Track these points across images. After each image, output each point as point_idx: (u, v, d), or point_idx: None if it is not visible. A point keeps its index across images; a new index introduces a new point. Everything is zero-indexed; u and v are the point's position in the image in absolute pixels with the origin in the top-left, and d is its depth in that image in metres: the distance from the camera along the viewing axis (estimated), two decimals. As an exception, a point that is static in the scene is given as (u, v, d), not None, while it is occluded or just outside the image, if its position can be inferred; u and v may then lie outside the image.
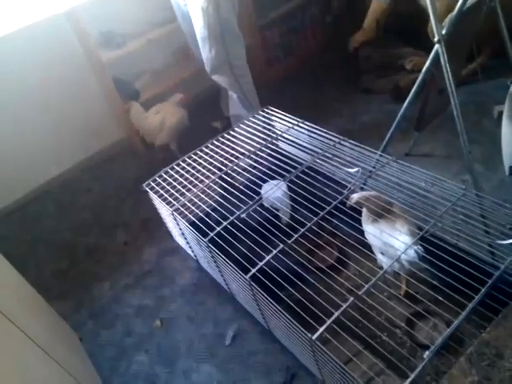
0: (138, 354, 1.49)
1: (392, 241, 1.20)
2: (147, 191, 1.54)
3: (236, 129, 1.73)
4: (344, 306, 1.01)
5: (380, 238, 1.24)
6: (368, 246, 1.33)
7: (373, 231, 1.27)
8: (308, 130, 1.56)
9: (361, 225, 1.34)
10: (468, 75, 2.15)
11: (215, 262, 1.32)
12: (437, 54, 1.22)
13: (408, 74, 2.34)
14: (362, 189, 1.50)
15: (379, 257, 1.31)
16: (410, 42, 2.44)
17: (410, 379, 0.92)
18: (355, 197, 1.28)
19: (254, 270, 1.12)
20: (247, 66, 2.05)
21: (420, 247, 1.14)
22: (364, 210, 1.33)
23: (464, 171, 1.79)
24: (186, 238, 1.54)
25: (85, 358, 1.48)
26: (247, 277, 1.12)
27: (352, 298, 1.02)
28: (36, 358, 1.07)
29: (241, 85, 2.05)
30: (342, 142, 1.46)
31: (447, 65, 1.19)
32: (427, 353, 0.92)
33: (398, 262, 1.19)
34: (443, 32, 1.17)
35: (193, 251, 1.61)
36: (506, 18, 1.35)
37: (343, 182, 1.45)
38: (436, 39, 1.18)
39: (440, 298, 1.24)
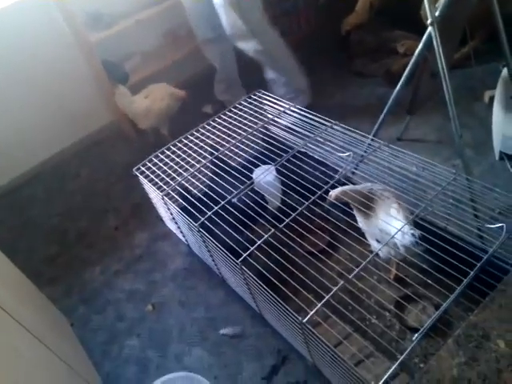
0: (129, 338, 1.50)
1: (388, 227, 1.20)
2: (137, 176, 1.52)
3: (227, 112, 1.71)
4: (334, 289, 1.02)
5: (376, 225, 1.24)
6: (358, 230, 1.34)
7: (367, 221, 1.28)
8: (299, 114, 1.55)
9: (351, 209, 1.33)
10: (461, 59, 2.14)
11: (206, 246, 1.32)
12: (429, 37, 1.21)
13: (400, 58, 2.32)
14: (353, 173, 1.50)
15: (374, 244, 1.31)
16: (402, 26, 2.41)
17: (398, 361, 0.94)
18: (333, 194, 1.27)
19: (244, 255, 1.12)
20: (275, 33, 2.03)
21: (417, 231, 1.14)
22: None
23: (455, 156, 1.80)
24: (176, 223, 1.53)
25: (76, 343, 1.48)
26: (238, 261, 1.12)
27: (342, 282, 1.03)
28: (26, 343, 1.07)
29: (271, 53, 2.02)
30: (334, 127, 1.46)
31: (440, 48, 1.18)
32: (416, 335, 0.93)
33: (393, 248, 1.20)
34: (436, 14, 1.16)
35: (184, 236, 1.61)
36: (499, 1, 1.34)
37: (335, 167, 1.45)
38: (429, 21, 1.17)
39: (429, 281, 1.25)
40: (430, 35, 1.20)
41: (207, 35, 2.14)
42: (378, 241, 1.29)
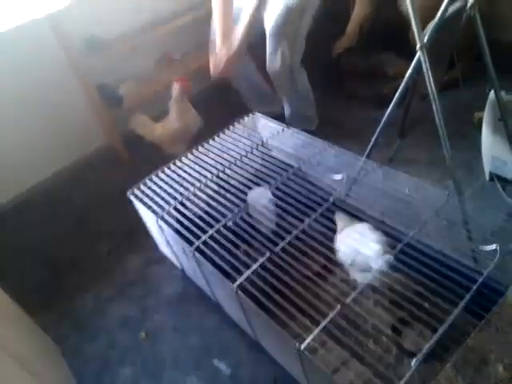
0: (122, 367, 1.46)
1: (362, 249, 1.21)
2: (131, 199, 1.51)
3: (222, 134, 1.72)
4: (331, 314, 1.01)
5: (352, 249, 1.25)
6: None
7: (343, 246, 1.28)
8: (293, 136, 1.57)
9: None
10: (449, 82, 2.18)
11: (201, 271, 1.31)
12: (419, 61, 1.24)
13: (391, 81, 2.36)
14: (347, 195, 1.50)
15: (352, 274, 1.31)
16: (392, 49, 2.47)
17: (397, 388, 0.92)
18: None
19: (240, 279, 1.11)
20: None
21: (391, 256, 1.15)
22: None
23: (446, 177, 1.81)
24: (171, 247, 1.51)
25: (67, 372, 1.44)
26: (234, 286, 1.11)
27: (339, 307, 1.02)
28: (16, 373, 1.04)
29: (297, 91, 2.04)
30: (328, 148, 1.47)
31: (429, 71, 1.20)
32: (414, 361, 0.92)
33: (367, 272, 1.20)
34: (425, 39, 1.19)
35: (178, 260, 1.59)
36: (484, 26, 1.38)
37: (329, 189, 1.46)
38: (418, 46, 1.20)
39: (425, 304, 1.25)
40: (419, 59, 1.23)
41: None
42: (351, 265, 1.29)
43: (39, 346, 1.39)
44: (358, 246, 1.24)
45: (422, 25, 1.22)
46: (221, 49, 1.88)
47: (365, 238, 1.24)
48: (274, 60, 1.94)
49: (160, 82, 2.38)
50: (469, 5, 1.27)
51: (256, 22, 1.87)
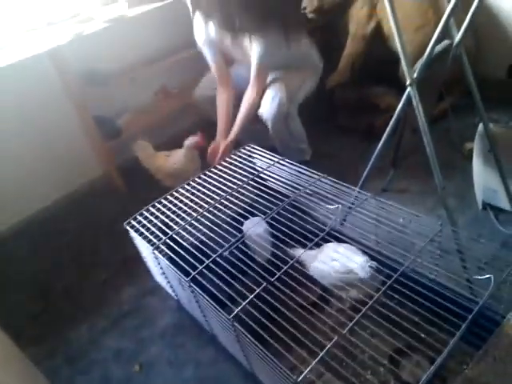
0: (115, 401, 1.43)
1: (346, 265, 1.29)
2: (127, 229, 1.52)
3: (218, 166, 1.75)
4: (328, 345, 1.00)
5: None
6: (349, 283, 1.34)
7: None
8: (288, 168, 1.60)
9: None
10: (439, 114, 2.25)
11: (197, 302, 1.30)
12: (409, 96, 1.28)
13: (381, 113, 2.43)
14: (342, 225, 1.52)
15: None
16: (384, 83, 2.55)
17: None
18: None
19: (237, 310, 1.11)
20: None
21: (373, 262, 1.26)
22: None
23: (439, 206, 1.84)
24: (166, 277, 1.51)
25: (58, 407, 1.40)
26: (230, 317, 1.10)
27: (335, 338, 1.02)
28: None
29: (291, 134, 2.09)
30: (322, 180, 1.50)
31: (419, 106, 1.25)
32: (412, 392, 0.91)
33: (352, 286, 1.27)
34: (414, 76, 1.24)
35: (174, 290, 1.58)
36: (471, 63, 1.44)
37: (324, 219, 1.47)
38: (408, 82, 1.25)
39: (422, 334, 1.24)
40: (409, 94, 1.27)
41: None
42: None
43: (30, 380, 1.36)
44: (343, 260, 1.31)
45: (412, 61, 1.28)
46: (219, 140, 2.04)
47: (346, 253, 1.33)
48: (270, 106, 1.98)
49: (158, 114, 2.44)
50: (455, 44, 1.34)
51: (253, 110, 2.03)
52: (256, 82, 1.97)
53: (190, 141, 2.09)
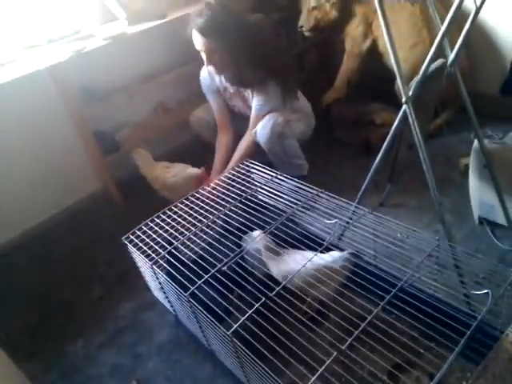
0: (111, 419, 1.41)
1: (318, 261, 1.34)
2: (125, 244, 1.52)
3: (216, 181, 1.76)
4: (327, 361, 1.00)
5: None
6: (348, 298, 1.34)
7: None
8: (286, 183, 1.61)
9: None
10: (435, 130, 2.28)
11: (195, 317, 1.30)
12: (405, 113, 1.31)
13: (378, 129, 2.46)
14: (339, 239, 1.53)
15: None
16: (379, 99, 2.59)
17: None
18: None
19: (235, 326, 1.11)
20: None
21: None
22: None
23: (436, 221, 1.86)
24: (165, 292, 1.51)
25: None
26: (229, 333, 1.10)
27: (335, 353, 1.02)
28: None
29: (286, 153, 2.12)
30: (320, 194, 1.51)
31: (415, 123, 1.27)
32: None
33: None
34: (410, 93, 1.26)
35: (172, 306, 1.58)
36: (465, 80, 1.47)
37: (322, 233, 1.48)
38: (403, 100, 1.27)
39: (421, 350, 1.24)
40: (405, 112, 1.30)
41: None
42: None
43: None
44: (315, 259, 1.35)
45: (407, 78, 1.31)
46: (212, 177, 2.10)
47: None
48: (264, 124, 2.02)
49: (156, 129, 2.46)
50: (449, 62, 1.37)
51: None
52: (253, 128, 2.08)
53: (195, 171, 2.13)
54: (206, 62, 1.98)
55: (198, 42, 1.90)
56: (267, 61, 1.97)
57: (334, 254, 1.40)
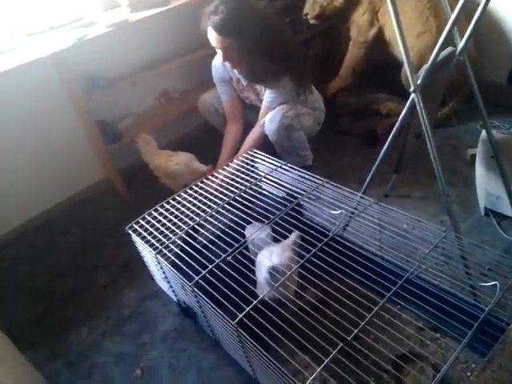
0: (116, 406, 1.42)
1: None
2: (129, 233, 1.51)
3: (220, 170, 1.75)
4: (333, 352, 1.00)
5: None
6: (352, 288, 1.34)
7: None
8: (291, 173, 1.60)
9: (344, 265, 1.33)
10: (441, 119, 2.26)
11: (200, 307, 1.30)
12: (413, 102, 1.29)
13: (383, 119, 2.44)
14: (344, 230, 1.52)
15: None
16: (385, 88, 2.56)
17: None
18: None
19: (240, 316, 1.11)
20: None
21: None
22: None
23: (441, 212, 1.84)
24: (169, 282, 1.50)
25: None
26: (234, 323, 1.10)
27: (341, 345, 1.01)
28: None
29: (293, 146, 2.10)
30: (325, 184, 1.50)
31: (423, 112, 1.25)
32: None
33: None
34: (418, 82, 1.24)
35: (176, 295, 1.57)
36: (472, 68, 1.45)
37: (327, 224, 1.47)
38: (412, 89, 1.25)
39: (426, 340, 1.24)
40: (413, 101, 1.28)
41: None
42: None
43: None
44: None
45: (413, 67, 1.28)
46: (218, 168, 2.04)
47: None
48: (273, 115, 1.99)
49: (159, 118, 2.44)
50: (458, 51, 1.34)
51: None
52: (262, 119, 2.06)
53: (201, 168, 2.12)
54: (221, 59, 1.95)
55: (214, 39, 1.86)
56: (284, 56, 1.94)
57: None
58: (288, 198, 1.54)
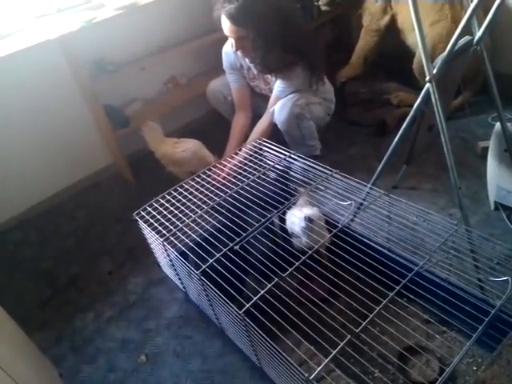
0: (121, 391, 1.43)
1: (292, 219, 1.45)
2: (136, 220, 1.51)
3: (228, 159, 1.74)
4: (341, 344, 0.99)
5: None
6: (360, 279, 1.33)
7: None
8: (299, 162, 1.58)
9: (352, 256, 1.33)
10: (453, 111, 2.22)
11: (206, 295, 1.29)
12: (427, 93, 1.26)
13: (393, 109, 2.41)
14: (352, 221, 1.50)
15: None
16: (395, 78, 2.52)
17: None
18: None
19: (248, 305, 1.10)
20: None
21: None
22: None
23: (450, 205, 1.82)
24: (175, 269, 1.50)
25: (65, 395, 1.40)
26: (241, 312, 1.09)
27: (348, 337, 1.01)
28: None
29: (303, 135, 2.08)
30: (334, 175, 1.48)
31: (438, 103, 1.23)
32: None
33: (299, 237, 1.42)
34: (434, 72, 1.21)
35: (182, 283, 1.57)
36: (489, 59, 1.41)
37: (335, 214, 1.46)
38: (427, 78, 1.22)
39: (435, 334, 1.24)
40: (427, 91, 1.25)
41: None
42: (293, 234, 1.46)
43: (37, 366, 1.36)
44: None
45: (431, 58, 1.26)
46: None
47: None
48: (284, 103, 1.97)
49: (167, 105, 2.42)
50: (476, 40, 1.31)
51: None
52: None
53: (209, 155, 2.11)
54: (234, 48, 1.91)
55: (228, 28, 1.82)
56: (298, 46, 1.91)
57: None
58: (297, 187, 1.53)
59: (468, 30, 1.27)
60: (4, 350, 1.12)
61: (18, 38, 1.90)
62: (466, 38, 1.28)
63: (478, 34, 1.30)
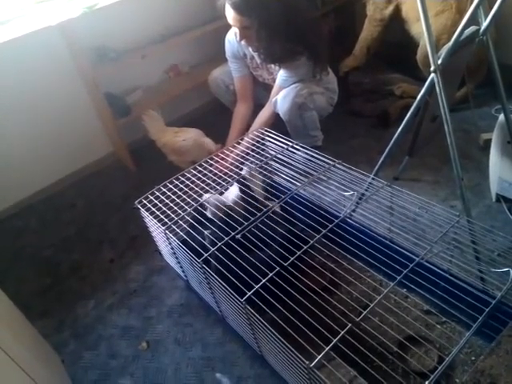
0: (122, 377, 1.44)
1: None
2: (138, 208, 1.51)
3: (230, 147, 1.73)
4: (342, 332, 1.00)
5: None
6: (361, 268, 1.33)
7: None
8: (301, 152, 1.58)
9: (354, 246, 1.33)
10: (456, 103, 2.21)
11: (208, 283, 1.30)
12: (431, 83, 1.25)
13: (396, 100, 2.40)
14: (353, 211, 1.50)
15: None
16: (398, 69, 2.50)
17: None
18: None
19: (249, 294, 1.11)
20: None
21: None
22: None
23: (452, 197, 1.83)
24: (177, 258, 1.51)
25: (66, 380, 1.41)
26: (242, 300, 1.10)
27: (349, 325, 1.02)
28: (16, 375, 1.02)
29: (305, 125, 2.07)
30: (337, 165, 1.48)
31: (442, 94, 1.22)
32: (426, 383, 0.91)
33: None
34: (439, 62, 1.20)
35: (183, 271, 1.58)
36: (494, 50, 1.40)
37: (337, 205, 1.46)
38: (432, 69, 1.21)
39: (435, 324, 1.25)
40: (432, 81, 1.24)
41: None
42: None
43: (39, 352, 1.37)
44: None
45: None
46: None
47: None
48: (287, 92, 1.96)
49: (168, 93, 2.40)
50: (482, 29, 1.30)
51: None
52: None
53: (210, 143, 2.10)
54: (238, 37, 1.90)
55: (232, 18, 1.80)
56: (302, 36, 1.89)
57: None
58: (299, 177, 1.53)
59: (474, 19, 1.26)
60: (4, 334, 1.12)
61: (18, 24, 1.88)
62: (472, 27, 1.27)
63: (485, 23, 1.29)
